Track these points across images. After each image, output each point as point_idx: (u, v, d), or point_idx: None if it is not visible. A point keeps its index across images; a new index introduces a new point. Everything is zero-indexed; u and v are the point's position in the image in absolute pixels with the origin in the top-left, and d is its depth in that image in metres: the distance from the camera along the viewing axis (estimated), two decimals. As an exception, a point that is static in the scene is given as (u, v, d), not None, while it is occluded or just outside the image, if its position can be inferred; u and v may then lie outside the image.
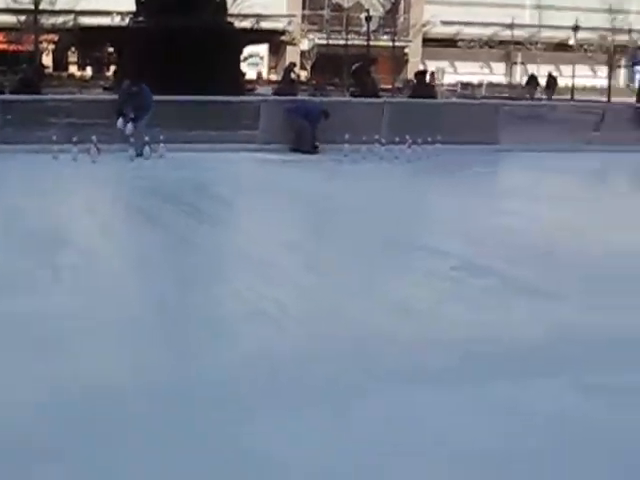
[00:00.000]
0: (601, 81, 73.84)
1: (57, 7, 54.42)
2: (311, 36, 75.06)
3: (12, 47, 59.64)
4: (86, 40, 51.14)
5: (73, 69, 65.08)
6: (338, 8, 76.05)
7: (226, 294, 8.65)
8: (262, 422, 5.46)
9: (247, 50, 37.39)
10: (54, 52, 65.20)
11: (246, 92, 28.14)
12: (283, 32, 55.73)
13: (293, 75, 31.84)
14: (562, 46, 77.83)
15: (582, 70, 74.24)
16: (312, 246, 11.26)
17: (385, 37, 72.17)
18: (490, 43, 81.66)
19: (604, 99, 55.17)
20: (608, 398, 5.98)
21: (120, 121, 19.10)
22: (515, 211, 13.70)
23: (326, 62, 63.32)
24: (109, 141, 18.90)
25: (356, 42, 65.48)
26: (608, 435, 5.38)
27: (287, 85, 27.19)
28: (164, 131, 19.01)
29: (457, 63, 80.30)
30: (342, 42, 66.76)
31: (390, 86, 50.98)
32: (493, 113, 23.23)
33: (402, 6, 78.73)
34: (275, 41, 56.22)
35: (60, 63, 64.83)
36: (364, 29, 65.83)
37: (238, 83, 26.80)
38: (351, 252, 10.61)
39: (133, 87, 19.42)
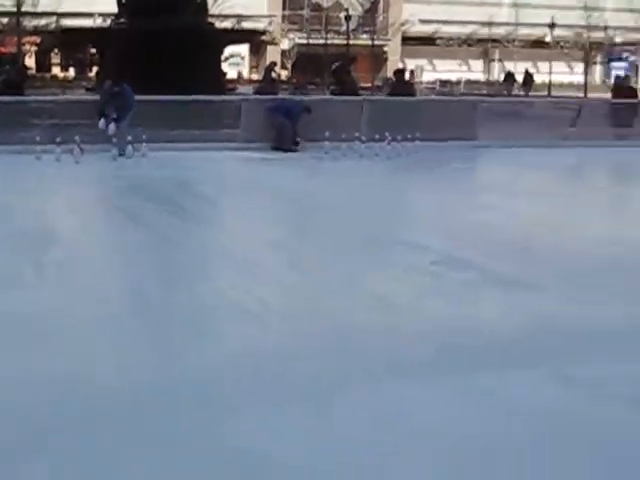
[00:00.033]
0: (577, 77, 74.10)
1: (39, 9, 54.29)
2: (291, 36, 74.99)
3: (-5, 49, 59.43)
4: (68, 41, 50.94)
5: (56, 70, 64.86)
6: (318, 8, 76.02)
7: (209, 292, 8.61)
8: (246, 419, 5.45)
9: (228, 50, 37.38)
10: (37, 54, 64.99)
11: (227, 91, 28.07)
12: (264, 32, 55.70)
13: (274, 74, 31.77)
14: (539, 43, 78.01)
15: (559, 67, 74.43)
16: (294, 243, 11.25)
17: (364, 36, 72.28)
18: (468, 41, 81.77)
19: (581, 95, 55.36)
20: (587, 389, 5.99)
21: (102, 121, 19.06)
22: (494, 206, 13.72)
23: (306, 61, 63.22)
24: (92, 141, 18.83)
25: (336, 41, 65.53)
26: (588, 426, 5.37)
27: (268, 84, 27.12)
28: (146, 131, 18.97)
29: (436, 61, 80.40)
30: (322, 41, 66.77)
31: (370, 84, 51.01)
32: (471, 110, 23.26)
33: (381, 5, 78.79)
34: (256, 41, 56.13)
35: (43, 64, 64.61)
36: (344, 28, 65.91)
37: (219, 83, 26.74)
38: (333, 249, 10.60)
39: (115, 87, 19.38)
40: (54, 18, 56.81)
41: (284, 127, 20.25)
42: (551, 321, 7.55)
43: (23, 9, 52.19)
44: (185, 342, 7.00)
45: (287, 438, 5.18)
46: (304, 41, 72.38)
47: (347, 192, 15.03)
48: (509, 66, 71.87)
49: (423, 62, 77.97)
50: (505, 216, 12.99)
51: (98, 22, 52.27)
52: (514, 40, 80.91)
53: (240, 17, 59.05)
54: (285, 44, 73.42)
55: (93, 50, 46.42)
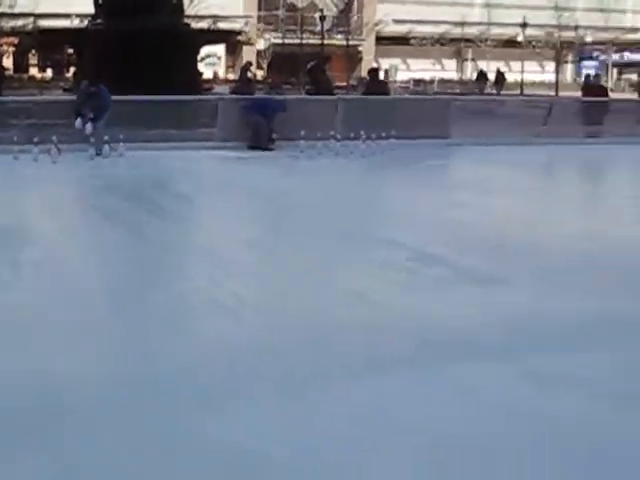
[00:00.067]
0: (549, 76, 74.39)
1: (17, 10, 54.05)
2: (267, 36, 74.99)
3: (-27, 51, 59.13)
4: (46, 42, 50.73)
5: (34, 71, 64.61)
6: (293, 8, 76.05)
7: (187, 289, 8.59)
8: (222, 413, 5.44)
9: (204, 50, 37.31)
10: (14, 54, 64.67)
11: (203, 91, 28.05)
12: (239, 32, 55.63)
13: (250, 74, 31.75)
14: (511, 43, 78.26)
15: (531, 66, 74.66)
16: (271, 241, 11.22)
17: (339, 36, 72.41)
18: (441, 41, 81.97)
19: (552, 94, 55.55)
20: (555, 383, 5.99)
21: (78, 121, 18.99)
22: (467, 203, 13.74)
23: (282, 61, 63.24)
24: (69, 141, 18.75)
25: (311, 41, 65.58)
26: (555, 420, 5.38)
27: (244, 84, 27.07)
28: (124, 130, 18.92)
29: (410, 60, 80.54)
30: (297, 41, 66.80)
31: (344, 83, 51.09)
32: (445, 108, 23.31)
33: (355, 5, 78.84)
34: (232, 41, 56.08)
35: (21, 65, 64.33)
36: (318, 28, 65.95)
37: (195, 82, 26.71)
38: (309, 246, 10.59)
39: (91, 88, 19.31)
40: (31, 19, 56.59)
41: (259, 125, 20.24)
42: (524, 317, 7.57)
43: (0, 10, 51.92)
44: (161, 338, 6.98)
45: (263, 432, 5.17)
46: (279, 41, 72.43)
47: (323, 190, 15.03)
48: (482, 65, 72.04)
49: (397, 61, 78.12)
50: (478, 213, 13.01)
51: (75, 23, 52.14)
52: (486, 40, 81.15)
53: (216, 18, 59.01)
54: (261, 44, 73.42)
55: (70, 51, 46.29)
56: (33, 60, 67.02)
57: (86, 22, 31.52)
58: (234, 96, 23.80)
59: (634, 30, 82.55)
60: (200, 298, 8.16)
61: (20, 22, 55.76)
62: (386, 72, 55.56)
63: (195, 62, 28.94)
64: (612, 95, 35.82)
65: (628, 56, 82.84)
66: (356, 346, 6.71)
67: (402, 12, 77.59)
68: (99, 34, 26.51)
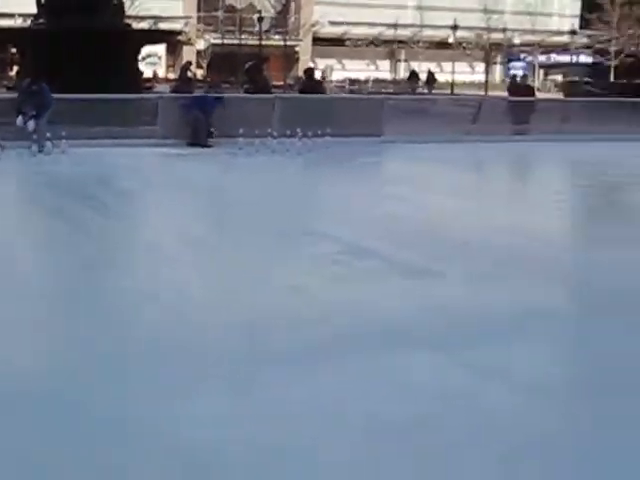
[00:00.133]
0: (479, 76, 74.94)
1: (-40, 10, 53.31)
2: (206, 36, 74.74)
3: None
4: (-11, 41, 50.04)
5: (-23, 70, 63.70)
6: (232, 9, 75.81)
7: (127, 284, 8.55)
8: (161, 405, 5.42)
9: (145, 50, 37.01)
10: (-42, 54, 63.75)
11: (144, 90, 27.86)
12: (180, 33, 55.35)
13: (190, 73, 31.61)
14: (442, 44, 78.65)
15: (461, 66, 75.18)
16: (210, 237, 11.16)
17: (277, 37, 72.39)
18: (375, 42, 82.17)
19: (482, 93, 55.90)
20: (489, 374, 6.04)
21: (20, 119, 18.79)
22: (399, 198, 13.80)
23: (221, 61, 62.97)
24: (12, 138, 18.55)
25: (249, 42, 65.45)
26: (490, 412, 5.43)
27: (184, 83, 26.92)
28: (66, 128, 18.72)
29: (345, 61, 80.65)
30: (236, 42, 66.62)
31: (282, 83, 51.02)
32: (378, 107, 23.37)
33: (292, 7, 78.86)
34: (172, 41, 55.75)
35: (-36, 64, 63.42)
36: (257, 29, 65.85)
37: (136, 81, 26.47)
38: (246, 241, 10.56)
39: (33, 86, 19.11)
40: (-25, 19, 55.82)
41: (198, 122, 20.18)
42: (457, 309, 7.61)
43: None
44: (103, 333, 6.92)
45: (202, 421, 5.16)
46: (219, 41, 72.17)
47: (260, 187, 14.99)
48: (414, 66, 72.42)
49: (333, 62, 78.18)
50: (411, 208, 13.08)
51: (19, 22, 51.54)
52: (419, 41, 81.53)
53: (157, 18, 58.73)
54: (200, 44, 73.17)
55: (14, 50, 45.69)
56: (-23, 59, 66.10)
57: (29, 22, 31.17)
58: (174, 95, 23.68)
59: (560, 33, 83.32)
60: (142, 292, 8.12)
61: (-37, 22, 54.94)
62: (323, 72, 55.73)
63: (136, 61, 28.70)
64: (539, 95, 36.16)
65: (554, 58, 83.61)
66: (290, 338, 6.71)
67: (338, 14, 77.65)
68: (41, 33, 26.23)
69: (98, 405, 5.38)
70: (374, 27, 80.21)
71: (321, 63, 71.50)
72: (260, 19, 65.35)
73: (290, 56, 72.03)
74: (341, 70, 77.00)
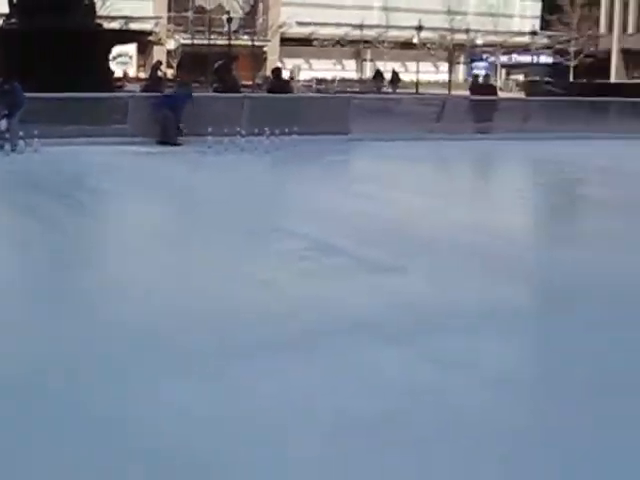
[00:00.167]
0: (443, 76, 75.10)
1: None
2: (177, 36, 74.52)
3: None
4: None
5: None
6: (201, 10, 75.64)
7: (97, 278, 8.51)
8: (126, 393, 5.41)
9: (116, 49, 36.81)
10: None
11: (115, 89, 27.72)
12: (150, 33, 55.04)
13: (160, 73, 31.49)
14: (407, 44, 78.83)
15: (425, 66, 75.28)
16: (179, 234, 11.13)
17: (245, 37, 72.23)
18: (342, 42, 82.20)
19: (446, 92, 56.02)
20: (452, 366, 6.05)
21: (-8, 118, 18.68)
22: (366, 196, 13.80)
23: (191, 60, 62.73)
24: (-16, 138, 18.44)
25: (218, 42, 65.25)
26: (453, 402, 5.44)
27: (154, 82, 26.84)
28: (39, 127, 18.60)
29: (312, 61, 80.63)
30: (205, 42, 66.45)
31: (250, 82, 50.87)
32: (345, 106, 23.38)
33: (261, 8, 78.75)
34: (143, 41, 55.39)
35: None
36: (226, 29, 65.67)
37: (107, 81, 26.34)
38: (215, 238, 10.53)
39: (5, 85, 18.97)
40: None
41: (167, 120, 20.10)
42: (419, 304, 7.62)
43: None
44: (72, 328, 6.86)
45: (169, 415, 5.13)
46: (189, 41, 71.98)
47: (229, 185, 14.97)
48: (380, 66, 72.45)
49: (300, 62, 78.16)
50: (377, 205, 13.07)
51: (-10, 22, 51.04)
52: (384, 41, 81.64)
53: (128, 18, 58.44)
54: (171, 44, 72.96)
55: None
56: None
57: (0, 21, 30.91)
58: (144, 94, 23.59)
59: (521, 34, 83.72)
60: (111, 286, 8.08)
61: None
62: (292, 72, 55.69)
63: (107, 61, 28.53)
64: (501, 94, 36.29)
65: (515, 58, 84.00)
66: (259, 333, 6.68)
67: (305, 15, 77.61)
68: (13, 33, 26.02)
69: (66, 396, 5.35)
70: (340, 27, 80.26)
71: (289, 63, 71.47)
72: (229, 20, 65.21)
73: (258, 56, 71.93)
74: (308, 70, 76.98)
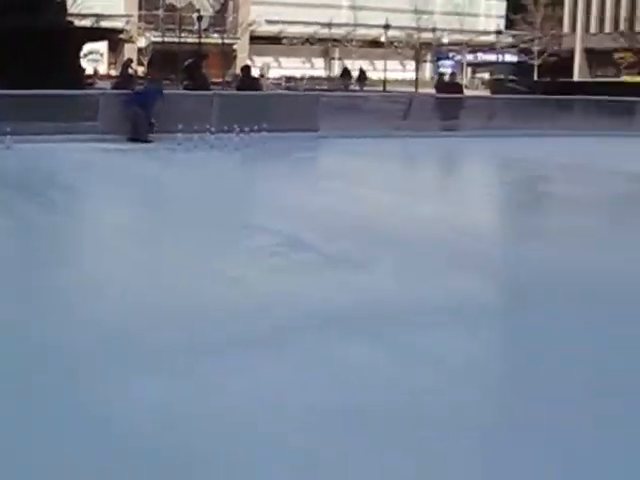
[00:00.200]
0: (410, 74, 75.35)
1: None
2: (147, 34, 74.36)
3: None
4: None
5: None
6: (172, 8, 75.51)
7: (67, 276, 8.43)
8: (96, 390, 5.34)
9: (87, 47, 36.59)
10: None
11: (86, 86, 27.55)
12: (121, 31, 54.89)
13: (131, 70, 31.32)
14: (375, 43, 79.09)
15: (393, 64, 75.52)
16: (149, 231, 11.03)
17: (215, 35, 72.15)
18: (311, 40, 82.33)
19: (412, 90, 56.17)
20: (420, 361, 6.04)
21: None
22: (334, 192, 13.80)
23: (162, 58, 62.59)
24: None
25: (189, 40, 65.18)
26: (414, 392, 5.42)
27: (125, 80, 26.70)
28: (10, 124, 18.46)
29: (281, 59, 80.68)
30: (176, 40, 66.36)
31: (220, 80, 50.75)
32: (313, 103, 23.36)
33: (230, 6, 78.72)
34: (114, 39, 55.24)
35: None
36: (196, 28, 65.57)
37: (78, 78, 26.18)
38: (186, 235, 10.43)
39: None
40: None
41: (138, 117, 19.98)
42: (387, 300, 7.59)
43: None
44: (40, 320, 6.82)
45: (137, 410, 5.08)
46: (159, 39, 71.86)
47: (199, 182, 14.89)
48: (348, 64, 72.59)
49: (270, 60, 78.15)
50: (345, 202, 13.06)
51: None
52: (352, 40, 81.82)
53: (99, 16, 58.16)
54: (142, 42, 72.78)
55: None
56: None
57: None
58: (115, 91, 23.47)
59: (486, 33, 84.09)
60: (80, 286, 8.00)
61: None
62: (262, 69, 55.64)
63: (78, 58, 28.36)
64: (467, 92, 36.37)
65: (481, 56, 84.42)
66: (229, 329, 6.64)
67: (274, 13, 77.70)
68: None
69: (37, 390, 5.30)
70: (309, 26, 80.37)
71: (258, 61, 71.45)
72: (199, 18, 65.09)
73: (228, 54, 71.86)
74: (277, 68, 77.01)
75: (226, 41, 71.73)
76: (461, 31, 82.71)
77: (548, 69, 67.30)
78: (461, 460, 4.57)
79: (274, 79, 63.78)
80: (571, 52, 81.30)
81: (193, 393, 5.37)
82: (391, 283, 8.19)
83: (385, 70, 68.49)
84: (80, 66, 28.27)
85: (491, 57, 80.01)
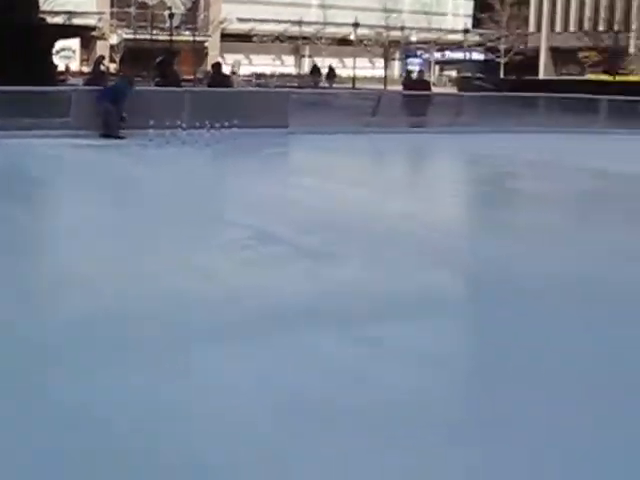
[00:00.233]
0: (379, 72, 75.42)
1: None
2: (119, 31, 74.04)
3: None
4: None
5: None
6: (143, 6, 75.23)
7: (43, 267, 8.40)
8: (81, 378, 5.33)
9: (59, 44, 36.39)
10: None
11: (58, 83, 27.37)
12: (93, 28, 54.50)
13: (103, 67, 31.18)
14: (344, 41, 79.14)
15: (362, 62, 75.63)
16: (120, 226, 10.95)
17: (187, 32, 72.04)
18: (281, 38, 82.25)
19: (381, 87, 56.25)
20: (390, 351, 6.04)
21: None
22: (304, 187, 13.80)
23: (133, 55, 62.28)
24: None
25: (160, 37, 65.03)
26: (384, 382, 5.42)
27: (97, 76, 26.53)
28: (-18, 120, 18.34)
29: (252, 56, 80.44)
30: (148, 37, 66.13)
31: (191, 77, 50.67)
32: (284, 100, 23.32)
33: (202, 4, 78.54)
34: (86, 36, 54.96)
35: None
36: (167, 25, 65.41)
37: (50, 74, 26.01)
38: (157, 230, 10.39)
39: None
40: None
41: (109, 113, 19.85)
42: (357, 291, 7.59)
43: None
44: (23, 311, 6.79)
45: (99, 398, 5.06)
46: (131, 36, 71.59)
47: (170, 177, 14.83)
48: (318, 61, 72.62)
49: (240, 57, 77.76)
50: (314, 196, 13.07)
51: None
52: (322, 38, 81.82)
53: (71, 13, 57.81)
54: (114, 39, 72.47)
55: None
56: None
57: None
58: (87, 87, 23.34)
59: (454, 31, 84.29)
60: (57, 274, 7.98)
61: None
62: (233, 67, 55.36)
63: (50, 55, 28.20)
64: (434, 89, 36.46)
65: (448, 54, 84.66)
66: (200, 321, 6.62)
67: (245, 11, 77.59)
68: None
69: (18, 383, 5.27)
70: (280, 24, 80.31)
71: (229, 58, 71.03)
72: (171, 15, 64.93)
73: (199, 51, 71.64)
74: (248, 65, 76.76)
75: (197, 39, 71.56)
76: (429, 30, 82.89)
77: (514, 67, 67.58)
78: (426, 454, 4.57)
79: (245, 76, 63.51)
80: (537, 51, 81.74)
81: (159, 385, 5.34)
82: (361, 277, 8.19)
83: (354, 68, 68.61)
84: (52, 63, 28.10)
85: (458, 55, 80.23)
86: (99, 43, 67.73)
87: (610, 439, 4.73)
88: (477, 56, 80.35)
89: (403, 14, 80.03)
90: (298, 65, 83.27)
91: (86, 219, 10.97)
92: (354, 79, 65.32)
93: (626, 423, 4.94)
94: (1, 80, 18.73)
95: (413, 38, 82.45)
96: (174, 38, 61.49)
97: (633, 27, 75.35)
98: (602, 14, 77.78)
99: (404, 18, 79.11)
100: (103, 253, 9.05)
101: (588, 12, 79.90)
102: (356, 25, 70.58)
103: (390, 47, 76.73)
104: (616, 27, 71.29)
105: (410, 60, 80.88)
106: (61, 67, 45.99)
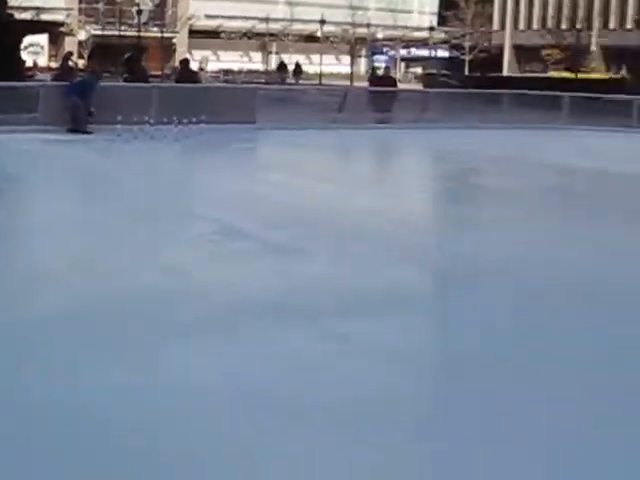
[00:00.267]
0: (345, 68, 75.43)
1: None
2: (87, 27, 73.64)
3: None
4: None
5: None
6: (112, 2, 74.84)
7: (13, 262, 8.28)
8: (37, 378, 5.24)
9: (27, 39, 36.05)
10: None
11: (26, 78, 27.13)
12: (62, 24, 54.29)
13: (71, 63, 30.93)
14: (311, 38, 79.19)
15: (328, 59, 75.57)
16: (88, 221, 10.85)
17: (155, 29, 71.73)
18: (249, 35, 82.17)
19: (348, 84, 56.27)
20: (357, 347, 6.00)
21: None
22: (271, 182, 13.75)
23: (102, 51, 61.88)
24: None
25: (129, 33, 64.72)
26: (343, 378, 5.38)
27: (65, 72, 26.31)
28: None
29: (220, 52, 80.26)
30: (116, 33, 65.79)
31: (159, 73, 50.43)
32: (251, 96, 23.26)
33: (170, 1, 78.27)
34: (54, 32, 54.64)
35: None
36: (135, 21, 65.07)
37: (18, 70, 25.77)
38: (124, 224, 10.30)
39: None
40: None
41: (77, 108, 19.67)
42: (321, 286, 7.56)
43: None
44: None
45: (74, 394, 4.99)
46: (99, 32, 71.25)
47: (138, 172, 14.75)
48: (285, 58, 72.66)
49: (208, 53, 77.56)
50: (281, 191, 13.02)
51: None
52: (289, 35, 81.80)
53: (39, 9, 57.38)
54: (82, 35, 72.05)
55: None
56: None
57: None
58: (55, 83, 23.15)
59: (419, 29, 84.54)
60: (28, 268, 7.90)
61: None
62: (201, 63, 55.16)
63: (18, 51, 27.95)
64: (400, 86, 36.48)
65: (414, 52, 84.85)
66: (165, 317, 6.54)
67: (213, 8, 77.42)
68: None
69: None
70: (247, 21, 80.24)
71: (197, 54, 70.72)
72: (139, 12, 64.59)
73: (167, 47, 71.39)
74: (216, 61, 76.54)
75: (165, 35, 71.26)
76: (395, 27, 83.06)
77: (479, 64, 67.80)
78: (394, 450, 4.53)
79: (212, 72, 63.29)
80: (501, 48, 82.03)
81: (129, 381, 5.26)
82: (328, 272, 8.15)
83: (321, 64, 68.56)
84: (20, 58, 27.85)
85: (424, 52, 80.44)
86: (67, 39, 67.28)
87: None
88: (442, 53, 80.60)
89: (369, 11, 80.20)
90: (265, 61, 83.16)
91: (51, 215, 10.84)
92: (321, 75, 65.32)
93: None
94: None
95: (379, 35, 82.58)
96: (142, 34, 61.18)
97: (595, 25, 75.92)
98: (565, 12, 78.23)
99: (370, 15, 79.25)
100: (70, 249, 8.98)
101: (551, 10, 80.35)
102: (323, 22, 70.56)
103: (356, 44, 76.82)
104: (578, 25, 71.69)
105: (376, 57, 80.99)
106: (29, 63, 45.60)
